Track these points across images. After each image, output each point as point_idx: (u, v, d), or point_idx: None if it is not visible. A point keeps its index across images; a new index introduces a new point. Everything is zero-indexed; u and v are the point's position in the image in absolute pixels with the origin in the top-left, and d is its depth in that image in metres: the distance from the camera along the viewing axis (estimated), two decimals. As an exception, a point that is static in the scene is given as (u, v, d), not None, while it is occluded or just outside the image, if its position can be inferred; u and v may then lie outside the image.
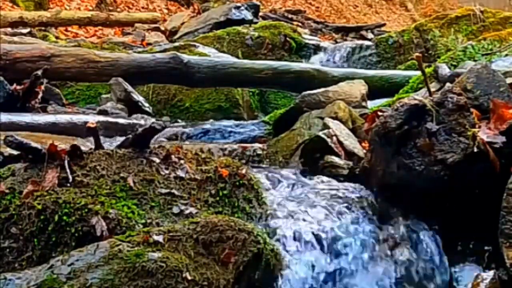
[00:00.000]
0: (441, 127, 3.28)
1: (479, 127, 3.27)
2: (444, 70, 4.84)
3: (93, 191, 2.97)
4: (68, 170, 3.00)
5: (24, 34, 9.10)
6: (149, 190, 3.05)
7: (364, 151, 3.78)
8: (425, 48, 8.14)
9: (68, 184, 2.98)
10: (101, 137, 3.30)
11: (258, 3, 10.47)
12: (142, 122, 4.84)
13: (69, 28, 12.35)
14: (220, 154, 4.00)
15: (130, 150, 3.17)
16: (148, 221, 2.96)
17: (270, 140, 4.54)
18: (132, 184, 3.03)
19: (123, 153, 3.14)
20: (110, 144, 3.76)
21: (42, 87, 5.10)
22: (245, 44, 8.26)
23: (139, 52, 6.81)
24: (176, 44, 7.94)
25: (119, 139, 3.80)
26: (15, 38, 7.56)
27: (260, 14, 10.61)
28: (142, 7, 15.34)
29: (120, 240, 2.74)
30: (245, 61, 6.61)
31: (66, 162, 3.02)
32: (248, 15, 9.67)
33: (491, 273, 2.91)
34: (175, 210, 3.04)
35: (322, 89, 4.93)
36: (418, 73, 5.01)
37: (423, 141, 3.29)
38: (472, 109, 3.35)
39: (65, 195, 2.93)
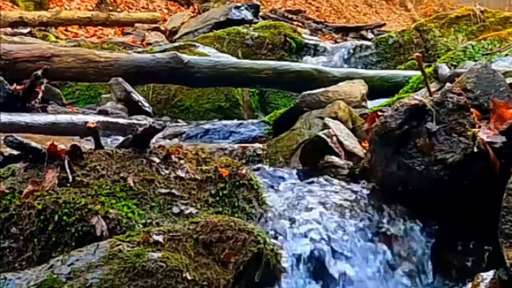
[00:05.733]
0: (441, 127, 3.28)
1: (479, 127, 3.27)
2: (444, 70, 4.84)
3: (93, 191, 2.97)
4: (68, 170, 3.00)
5: (24, 34, 9.09)
6: (149, 190, 3.05)
7: (364, 151, 3.78)
8: (425, 48, 8.14)
9: (68, 184, 2.98)
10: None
11: (258, 3, 10.46)
12: (142, 122, 4.83)
13: (69, 28, 12.35)
14: (220, 154, 4.00)
15: (130, 150, 3.17)
16: (148, 221, 2.96)
17: (270, 140, 4.54)
18: (132, 184, 3.03)
19: (123, 153, 3.15)
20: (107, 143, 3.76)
21: (42, 87, 5.09)
22: (245, 44, 8.26)
23: (139, 52, 6.81)
24: (176, 44, 7.94)
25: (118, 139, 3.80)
26: (15, 38, 7.55)
27: (260, 14, 10.60)
28: (142, 7, 15.34)
29: (120, 240, 2.74)
30: (245, 61, 6.61)
31: (66, 162, 3.02)
32: (248, 15, 9.67)
33: (491, 273, 2.91)
34: (175, 210, 3.04)
35: (322, 89, 4.93)
36: (418, 73, 5.01)
37: (423, 141, 3.29)
38: (472, 109, 3.35)
39: (65, 195, 2.93)
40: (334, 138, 3.87)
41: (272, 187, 3.57)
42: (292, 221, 3.20)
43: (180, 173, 3.15)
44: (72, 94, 6.69)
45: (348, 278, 3.11)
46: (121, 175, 3.05)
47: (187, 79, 6.01)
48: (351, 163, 3.73)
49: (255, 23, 9.15)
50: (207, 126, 5.22)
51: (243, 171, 3.26)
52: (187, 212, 3.04)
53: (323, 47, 8.54)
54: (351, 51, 8.44)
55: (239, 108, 6.78)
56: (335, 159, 3.76)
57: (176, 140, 4.82)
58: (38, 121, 4.56)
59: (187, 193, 3.11)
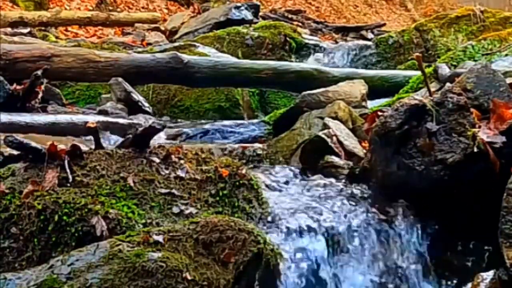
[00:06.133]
0: (441, 127, 3.28)
1: (479, 127, 3.27)
2: (444, 70, 4.84)
3: (93, 191, 2.97)
4: (68, 170, 3.00)
5: (24, 34, 9.10)
6: (149, 190, 3.05)
7: (364, 151, 3.78)
8: (425, 48, 8.14)
9: (68, 184, 2.98)
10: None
11: (258, 3, 10.47)
12: (142, 122, 4.83)
13: (69, 28, 12.36)
14: (220, 154, 4.00)
15: (130, 150, 3.17)
16: (148, 221, 2.96)
17: (270, 140, 4.54)
18: (132, 184, 3.03)
19: (123, 153, 3.14)
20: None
21: (42, 87, 5.09)
22: (245, 44, 8.26)
23: (139, 52, 6.81)
24: (176, 44, 7.94)
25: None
26: (15, 38, 7.55)
27: (260, 14, 10.61)
28: (142, 7, 15.34)
29: (120, 240, 2.74)
30: (245, 61, 6.61)
31: (66, 162, 3.02)
32: (248, 15, 9.68)
33: (491, 273, 2.91)
34: (175, 210, 3.04)
35: (322, 89, 4.93)
36: (418, 73, 5.01)
37: (423, 141, 3.29)
38: (472, 109, 3.35)
39: (65, 195, 2.92)
40: (334, 138, 3.87)
41: (272, 186, 3.57)
42: (292, 221, 3.20)
43: (180, 173, 3.15)
44: (72, 94, 6.69)
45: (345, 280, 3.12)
46: (121, 175, 3.05)
47: (187, 79, 6.01)
48: (351, 163, 3.73)
49: (255, 23, 9.16)
50: (207, 126, 5.21)
51: (243, 171, 3.25)
52: (187, 212, 3.04)
53: (323, 47, 8.55)
54: (351, 51, 8.44)
55: (239, 108, 6.78)
56: (335, 159, 3.76)
57: (176, 140, 4.83)
58: (38, 121, 4.56)
59: (187, 193, 3.11)
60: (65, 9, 13.38)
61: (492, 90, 3.47)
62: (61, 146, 3.08)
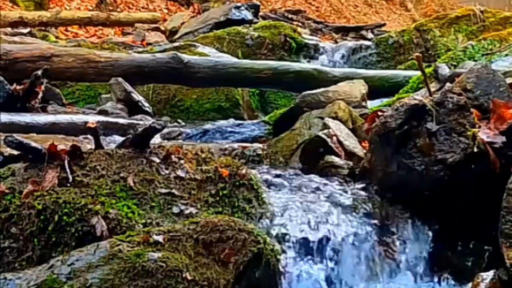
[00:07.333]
0: (441, 127, 3.28)
1: (479, 127, 3.27)
2: (444, 70, 4.84)
3: (93, 191, 2.97)
4: (68, 170, 3.00)
5: (24, 34, 9.10)
6: (149, 190, 3.05)
7: (364, 151, 3.78)
8: (425, 48, 8.14)
9: (68, 184, 2.98)
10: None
11: (258, 3, 10.48)
12: (142, 122, 4.83)
13: (69, 28, 12.36)
14: (220, 154, 3.99)
15: (130, 150, 3.17)
16: (148, 221, 2.96)
17: (270, 140, 4.54)
18: (132, 184, 3.03)
19: (123, 153, 3.14)
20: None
21: (42, 87, 5.10)
22: (245, 44, 8.26)
23: (139, 52, 6.81)
24: (176, 44, 7.95)
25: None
26: (15, 38, 7.56)
27: (260, 14, 10.62)
28: (142, 7, 15.35)
29: (120, 240, 2.74)
30: (245, 61, 6.61)
31: (66, 162, 3.02)
32: (248, 15, 9.68)
33: (491, 273, 2.91)
34: (175, 210, 3.04)
35: (322, 89, 4.94)
36: (418, 73, 5.01)
37: (423, 141, 3.29)
38: (472, 109, 3.35)
39: (65, 195, 2.93)
40: (334, 138, 3.87)
41: (272, 186, 3.57)
42: (292, 221, 3.21)
43: (180, 173, 3.14)
44: (72, 94, 6.69)
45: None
46: (121, 175, 3.05)
47: (187, 79, 6.02)
48: (351, 163, 3.73)
49: (255, 23, 9.16)
50: (207, 126, 5.22)
51: (243, 171, 3.25)
52: (187, 212, 3.04)
53: (323, 47, 8.55)
54: (351, 51, 8.44)
55: (239, 108, 6.79)
56: (335, 159, 3.76)
57: (175, 140, 4.82)
58: (38, 121, 4.57)
59: (187, 193, 3.11)
60: (65, 9, 13.39)
61: (492, 90, 3.47)
62: (61, 146, 3.09)
